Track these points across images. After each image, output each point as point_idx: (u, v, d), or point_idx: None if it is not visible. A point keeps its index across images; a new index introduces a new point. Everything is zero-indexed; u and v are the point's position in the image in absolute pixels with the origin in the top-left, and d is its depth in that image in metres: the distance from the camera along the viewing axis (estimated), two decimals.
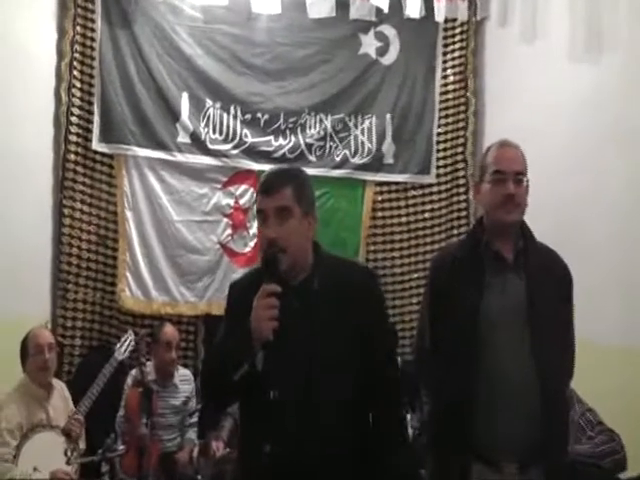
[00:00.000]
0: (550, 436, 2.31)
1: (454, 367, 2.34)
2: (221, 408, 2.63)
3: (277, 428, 2.00)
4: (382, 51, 5.61)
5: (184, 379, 4.50)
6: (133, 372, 4.30)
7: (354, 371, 2.05)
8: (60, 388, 3.89)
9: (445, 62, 5.66)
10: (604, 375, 3.69)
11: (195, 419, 4.44)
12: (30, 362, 3.73)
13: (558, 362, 2.38)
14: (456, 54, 5.63)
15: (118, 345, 4.25)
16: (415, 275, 5.48)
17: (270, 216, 2.02)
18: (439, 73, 5.66)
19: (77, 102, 4.90)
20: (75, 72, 4.89)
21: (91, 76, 4.96)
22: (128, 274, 5.00)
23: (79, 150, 4.91)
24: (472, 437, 2.30)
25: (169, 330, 4.43)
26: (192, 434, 4.44)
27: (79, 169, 4.91)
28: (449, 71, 5.66)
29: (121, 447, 3.92)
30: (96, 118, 4.95)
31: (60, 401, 3.83)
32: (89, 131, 4.94)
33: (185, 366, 4.74)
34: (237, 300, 2.13)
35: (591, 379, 3.12)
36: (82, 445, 3.83)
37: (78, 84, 4.91)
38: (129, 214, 5.03)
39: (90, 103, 4.95)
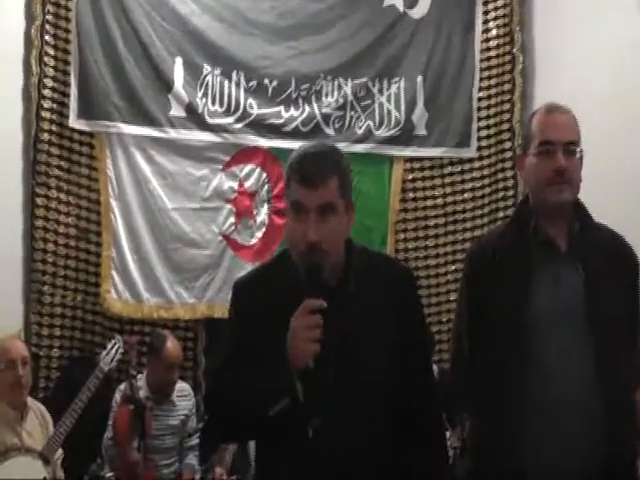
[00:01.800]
0: (617, 461, 2.29)
1: (498, 378, 2.32)
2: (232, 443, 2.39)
3: (321, 464, 1.98)
4: (411, 2, 5.61)
5: (182, 394, 4.52)
6: (122, 387, 4.32)
7: (396, 391, 2.05)
8: (37, 410, 3.92)
9: (486, 13, 5.65)
10: None
11: (195, 441, 4.46)
12: (0, 379, 3.74)
13: (625, 370, 2.35)
14: (499, 3, 5.61)
15: (104, 353, 4.26)
16: (453, 267, 5.47)
17: (311, 212, 1.98)
18: (479, 26, 5.65)
19: (50, 72, 4.92)
20: (47, 37, 4.90)
21: (67, 41, 4.97)
22: (114, 273, 5.01)
23: (53, 128, 4.93)
24: (522, 461, 2.28)
25: (173, 348, 4.44)
26: (192, 459, 4.46)
27: (54, 150, 4.93)
28: (491, 24, 5.65)
29: (109, 474, 3.97)
30: (73, 90, 4.96)
31: (36, 425, 3.85)
32: (65, 106, 4.96)
33: (183, 379, 4.75)
34: (247, 306, 2.09)
35: None
36: (60, 473, 3.85)
37: (51, 51, 4.92)
38: (114, 202, 5.04)
39: (66, 73, 4.97)
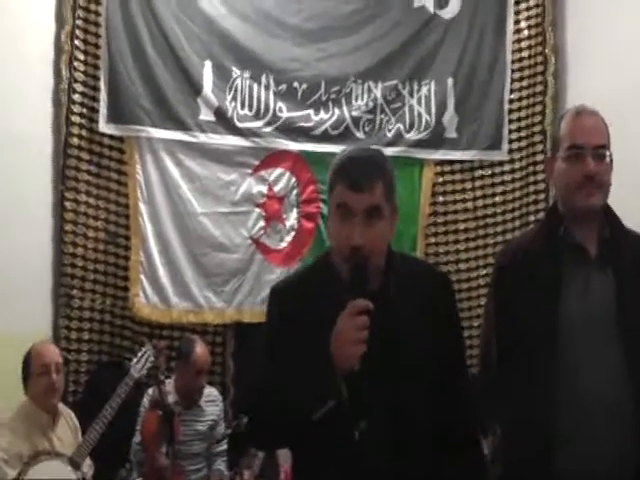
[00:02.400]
0: None
1: (528, 387, 2.31)
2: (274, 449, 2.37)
3: (366, 468, 1.98)
4: (442, 3, 5.61)
5: (210, 399, 4.55)
6: (150, 391, 4.36)
7: (437, 396, 2.07)
8: (67, 415, 3.98)
9: (518, 13, 5.62)
10: None
11: (224, 447, 4.45)
12: (34, 384, 3.80)
13: None
14: (531, 3, 5.59)
15: (134, 361, 4.28)
16: (484, 272, 5.42)
17: (357, 216, 2.00)
18: (511, 26, 5.63)
19: (80, 77, 4.96)
20: (77, 42, 4.94)
21: (97, 46, 5.01)
22: (143, 277, 5.05)
23: (83, 133, 4.96)
24: (552, 472, 2.26)
25: (202, 353, 4.48)
26: (221, 464, 4.48)
27: (84, 155, 4.97)
28: (523, 24, 5.62)
29: (138, 479, 3.97)
30: (103, 95, 5.00)
31: (67, 431, 3.91)
32: (95, 111, 4.99)
33: (211, 384, 4.77)
34: (287, 311, 2.09)
35: None
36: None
37: (81, 56, 4.96)
38: (143, 207, 5.07)
39: (96, 78, 5.00)
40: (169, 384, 4.41)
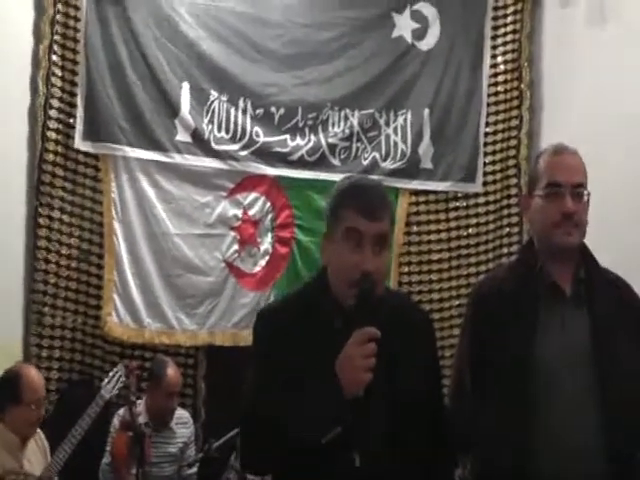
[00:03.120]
0: None
1: (501, 424, 2.31)
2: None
3: None
4: (420, 34, 5.67)
5: (181, 422, 4.58)
6: (120, 412, 4.36)
7: (428, 424, 2.13)
8: (37, 436, 3.96)
9: (495, 47, 5.69)
10: None
11: (193, 470, 4.50)
12: (20, 412, 3.79)
13: (632, 420, 2.32)
14: (508, 38, 5.65)
15: (106, 381, 4.30)
16: (457, 302, 5.48)
17: (368, 243, 2.04)
18: (487, 60, 5.69)
19: (57, 93, 4.95)
20: (55, 57, 4.93)
21: (74, 62, 5.00)
22: (115, 296, 5.04)
23: (59, 149, 4.95)
24: None
25: (173, 375, 4.50)
26: None
27: (58, 172, 4.95)
28: (500, 58, 5.69)
29: None
30: (79, 112, 4.99)
31: (36, 451, 3.92)
32: (71, 127, 4.99)
33: (183, 406, 4.79)
34: (279, 335, 2.08)
35: None
36: None
37: (59, 72, 4.95)
38: (117, 225, 5.07)
39: (72, 94, 5.00)
40: (140, 405, 4.42)
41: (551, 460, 2.27)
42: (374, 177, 5.43)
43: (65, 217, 4.99)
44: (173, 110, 5.22)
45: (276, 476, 2.19)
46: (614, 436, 2.28)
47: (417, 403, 2.09)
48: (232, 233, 5.32)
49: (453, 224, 5.65)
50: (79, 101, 5.02)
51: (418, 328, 2.23)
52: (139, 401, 4.45)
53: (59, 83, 4.97)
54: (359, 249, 2.04)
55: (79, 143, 5.03)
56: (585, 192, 2.42)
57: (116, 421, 4.38)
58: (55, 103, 4.96)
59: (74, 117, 5.01)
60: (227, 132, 5.34)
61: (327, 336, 2.02)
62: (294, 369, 2.00)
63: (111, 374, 4.34)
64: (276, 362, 2.06)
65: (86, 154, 5.05)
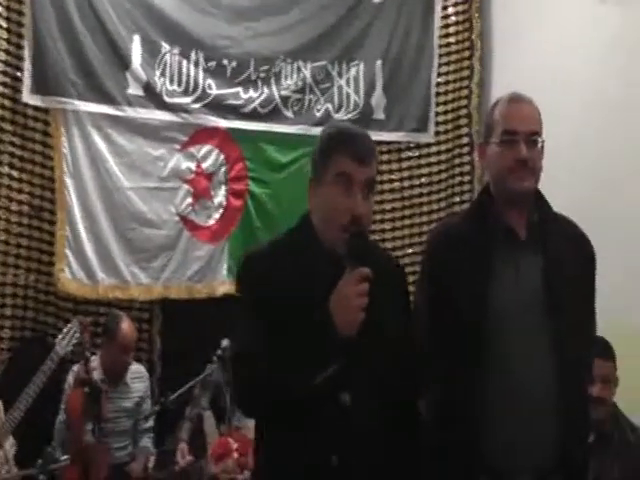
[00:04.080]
0: (571, 443, 2.30)
1: (457, 367, 2.31)
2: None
3: (347, 436, 2.02)
4: None
5: (137, 376, 4.51)
6: (75, 368, 4.29)
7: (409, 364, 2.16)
8: None
9: None
10: None
11: (150, 423, 4.46)
12: None
13: (581, 359, 2.37)
14: None
15: (60, 337, 4.21)
16: (410, 251, 5.48)
17: (357, 187, 2.05)
18: (438, 12, 5.63)
19: (3, 45, 4.78)
20: (0, 9, 4.77)
21: (20, 13, 4.83)
22: (68, 252, 4.91)
23: (6, 103, 4.81)
24: (480, 448, 2.28)
25: (128, 330, 4.43)
26: (147, 441, 4.46)
27: (6, 126, 4.81)
28: (450, 9, 5.64)
29: (63, 458, 3.87)
30: (27, 65, 4.83)
31: None
32: (18, 80, 4.83)
33: (138, 360, 4.73)
34: (267, 277, 2.06)
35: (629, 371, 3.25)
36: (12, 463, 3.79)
37: (4, 23, 4.79)
38: (69, 181, 4.94)
39: (19, 47, 4.83)
40: (94, 361, 4.35)
41: (506, 407, 2.27)
42: None
43: (15, 173, 4.85)
44: (124, 63, 5.09)
45: (267, 418, 2.14)
46: (565, 375, 2.29)
47: (398, 345, 2.11)
48: (186, 186, 5.22)
49: (406, 174, 5.61)
50: (26, 54, 4.84)
51: (395, 274, 2.28)
52: (93, 357, 4.38)
53: (5, 35, 4.80)
54: (349, 193, 2.05)
55: (27, 97, 4.87)
56: (540, 139, 2.41)
57: (70, 378, 4.31)
58: (1, 56, 4.78)
59: (22, 70, 4.84)
60: (179, 85, 5.22)
61: (316, 279, 2.02)
62: (284, 312, 1.98)
63: (65, 330, 4.24)
64: (265, 306, 2.03)
65: (35, 108, 4.91)
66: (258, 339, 2.00)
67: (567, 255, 2.38)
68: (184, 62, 5.21)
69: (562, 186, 3.61)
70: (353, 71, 5.55)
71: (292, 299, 1.98)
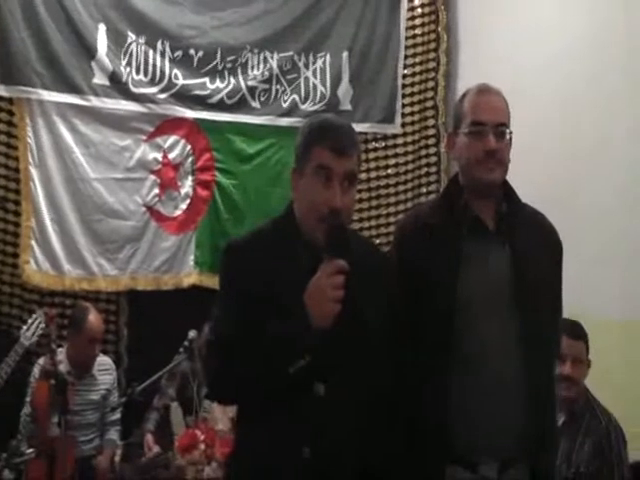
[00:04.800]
0: (537, 431, 2.30)
1: (426, 355, 2.28)
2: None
3: (320, 428, 2.01)
4: None
5: (103, 368, 4.47)
6: (41, 361, 4.22)
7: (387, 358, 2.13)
8: None
9: None
10: (603, 351, 3.68)
11: (117, 416, 4.41)
12: None
13: (548, 347, 2.37)
14: None
15: (24, 328, 4.16)
16: (377, 241, 5.33)
17: (336, 179, 2.03)
18: (405, 4, 5.62)
19: None
20: None
21: None
22: (33, 243, 4.85)
23: None
24: (449, 436, 2.26)
25: (95, 321, 4.38)
26: (114, 434, 4.42)
27: None
28: (417, 2, 5.63)
29: (28, 451, 3.82)
30: None
31: None
32: None
33: (105, 352, 4.68)
34: (247, 267, 2.05)
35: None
36: None
37: None
38: (34, 171, 4.87)
39: None
40: (61, 353, 4.29)
41: (471, 385, 2.27)
42: (294, 119, 5.38)
43: None
44: (89, 52, 5.03)
45: (241, 406, 2.17)
46: (532, 362, 2.29)
47: (377, 336, 2.09)
48: (152, 177, 5.16)
49: (372, 165, 5.59)
50: None
51: (379, 265, 2.23)
52: (60, 349, 4.31)
53: None
54: (328, 185, 2.04)
55: None
56: (507, 131, 2.41)
57: (36, 370, 4.25)
58: None
59: None
60: (145, 75, 5.17)
61: (294, 269, 2.01)
62: (262, 301, 1.98)
63: (30, 321, 4.21)
64: (243, 295, 2.02)
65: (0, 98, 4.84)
66: (234, 326, 1.99)
67: (535, 245, 2.37)
68: (150, 52, 5.16)
69: (527, 178, 3.60)
70: (320, 62, 5.53)
71: (270, 289, 1.98)
